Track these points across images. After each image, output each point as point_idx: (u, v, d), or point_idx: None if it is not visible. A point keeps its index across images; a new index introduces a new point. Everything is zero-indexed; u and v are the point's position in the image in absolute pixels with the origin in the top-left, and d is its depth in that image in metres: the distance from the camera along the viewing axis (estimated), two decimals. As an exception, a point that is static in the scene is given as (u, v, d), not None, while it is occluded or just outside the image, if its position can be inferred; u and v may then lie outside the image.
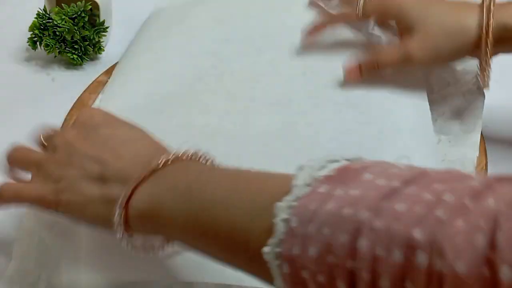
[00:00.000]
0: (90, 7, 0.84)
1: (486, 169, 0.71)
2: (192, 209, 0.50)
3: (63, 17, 0.83)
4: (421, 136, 0.70)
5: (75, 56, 0.85)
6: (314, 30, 0.79)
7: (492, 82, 0.78)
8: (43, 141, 0.60)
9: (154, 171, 0.53)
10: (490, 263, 0.36)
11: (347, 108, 0.71)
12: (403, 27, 0.72)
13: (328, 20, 0.79)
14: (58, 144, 0.57)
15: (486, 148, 0.73)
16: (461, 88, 0.76)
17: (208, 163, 0.56)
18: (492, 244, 0.36)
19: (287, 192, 0.44)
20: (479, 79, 0.71)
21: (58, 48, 0.84)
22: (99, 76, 0.82)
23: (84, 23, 0.84)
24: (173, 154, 0.54)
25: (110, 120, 0.58)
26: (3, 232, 0.67)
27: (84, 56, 0.86)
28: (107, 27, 0.86)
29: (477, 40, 0.68)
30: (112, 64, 0.83)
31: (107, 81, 0.80)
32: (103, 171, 0.54)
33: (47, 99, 0.82)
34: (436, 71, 0.78)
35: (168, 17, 0.86)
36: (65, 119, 0.76)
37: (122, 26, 0.91)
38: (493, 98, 0.77)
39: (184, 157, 0.54)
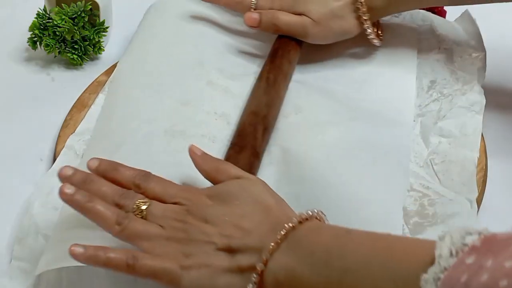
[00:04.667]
0: (90, 7, 0.84)
1: (486, 169, 0.71)
2: (332, 275, 0.49)
3: (63, 17, 0.83)
4: None
5: (75, 56, 0.85)
6: None
7: (492, 83, 0.78)
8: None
9: (284, 237, 0.53)
10: None
11: None
12: None
13: None
14: (169, 222, 0.56)
15: (486, 148, 0.73)
16: (461, 90, 0.77)
17: (324, 222, 0.56)
18: None
19: (431, 262, 0.44)
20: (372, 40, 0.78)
21: (58, 48, 0.84)
22: (99, 76, 0.82)
23: (84, 23, 0.84)
24: (297, 217, 0.54)
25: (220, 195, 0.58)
26: (3, 232, 0.67)
27: (84, 56, 0.86)
28: (107, 27, 0.86)
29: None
30: (112, 64, 0.83)
31: (107, 80, 0.80)
32: (230, 243, 0.54)
33: (47, 99, 0.82)
34: (437, 73, 0.79)
35: (180, 7, 0.87)
36: (65, 119, 0.77)
37: (122, 26, 0.91)
38: (493, 99, 0.77)
39: (303, 219, 0.54)
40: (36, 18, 0.85)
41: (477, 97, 0.76)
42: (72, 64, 0.86)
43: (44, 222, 0.65)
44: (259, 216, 0.55)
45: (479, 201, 0.67)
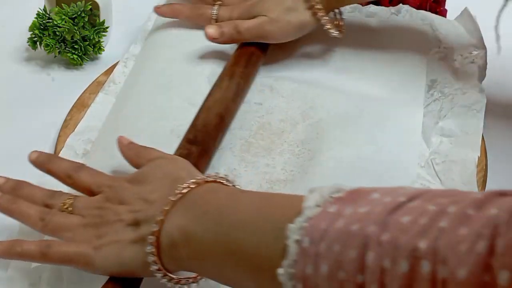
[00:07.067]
0: (90, 7, 0.84)
1: (486, 169, 0.71)
2: (221, 232, 0.51)
3: (63, 17, 0.83)
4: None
5: (75, 56, 0.85)
6: (167, 9, 0.82)
7: (492, 83, 0.78)
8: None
9: (180, 198, 0.54)
10: (490, 269, 0.36)
11: None
12: None
13: (183, 11, 0.81)
14: (89, 211, 0.59)
15: (486, 148, 0.73)
16: (462, 89, 0.77)
17: (232, 186, 0.57)
18: (492, 250, 0.36)
19: (299, 213, 0.45)
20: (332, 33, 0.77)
21: (58, 48, 0.84)
22: (99, 76, 0.82)
23: (84, 23, 0.84)
24: (199, 178, 0.55)
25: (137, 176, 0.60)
26: (3, 232, 0.67)
27: (84, 56, 0.85)
28: (107, 27, 0.86)
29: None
30: (112, 64, 0.83)
31: (107, 80, 0.80)
32: (136, 217, 0.56)
33: (47, 99, 0.82)
34: (437, 72, 0.79)
35: None
36: (65, 119, 0.77)
37: (122, 26, 0.91)
38: (493, 99, 0.77)
39: (209, 180, 0.55)
40: (36, 18, 0.85)
41: (477, 96, 0.76)
42: (72, 64, 0.86)
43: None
44: (167, 188, 0.56)
45: (479, 201, 0.67)
